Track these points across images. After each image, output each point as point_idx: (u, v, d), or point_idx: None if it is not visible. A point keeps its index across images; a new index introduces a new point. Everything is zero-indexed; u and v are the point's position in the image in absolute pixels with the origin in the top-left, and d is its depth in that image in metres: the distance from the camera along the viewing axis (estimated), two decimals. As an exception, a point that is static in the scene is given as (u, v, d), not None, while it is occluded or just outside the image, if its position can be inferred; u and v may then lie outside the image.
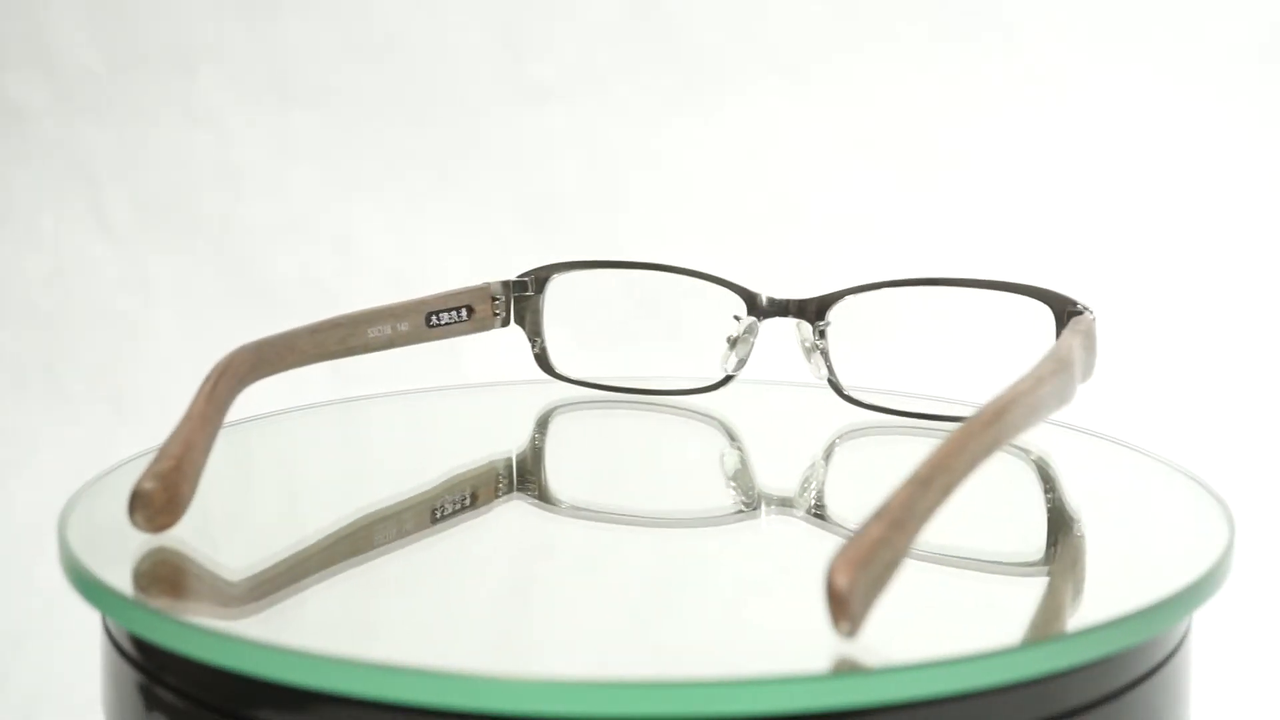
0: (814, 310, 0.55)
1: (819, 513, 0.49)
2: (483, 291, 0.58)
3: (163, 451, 0.44)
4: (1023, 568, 0.44)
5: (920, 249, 1.00)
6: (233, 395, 0.49)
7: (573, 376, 0.59)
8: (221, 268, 1.08)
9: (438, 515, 0.49)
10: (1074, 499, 0.50)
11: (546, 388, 0.60)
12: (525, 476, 0.54)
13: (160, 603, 0.40)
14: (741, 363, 0.56)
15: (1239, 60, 0.95)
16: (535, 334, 0.59)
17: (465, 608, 0.42)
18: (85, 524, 0.44)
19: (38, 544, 0.98)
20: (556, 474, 0.55)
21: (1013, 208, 0.99)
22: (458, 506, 0.50)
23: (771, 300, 0.55)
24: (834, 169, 1.01)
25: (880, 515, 0.36)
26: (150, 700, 0.41)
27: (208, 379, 0.49)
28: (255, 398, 0.52)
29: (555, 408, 0.60)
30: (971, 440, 0.40)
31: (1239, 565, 0.43)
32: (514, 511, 0.50)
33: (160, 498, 0.42)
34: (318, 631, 0.40)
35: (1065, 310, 0.50)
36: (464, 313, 0.57)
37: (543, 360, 0.59)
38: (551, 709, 0.35)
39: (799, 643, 0.39)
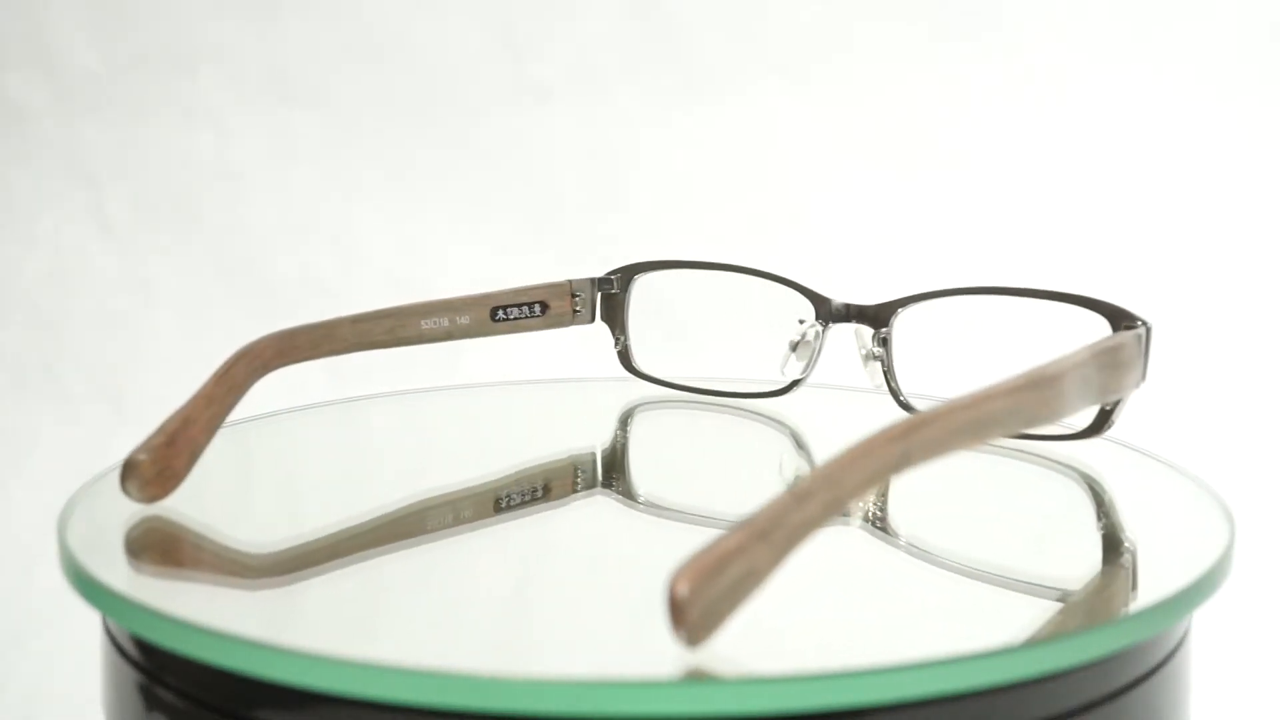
0: (877, 317, 0.54)
1: (879, 524, 0.49)
2: (560, 288, 0.59)
3: (161, 426, 0.46)
4: (1023, 568, 0.44)
5: (923, 250, 1.00)
6: (252, 378, 0.51)
7: (653, 375, 0.60)
8: (221, 268, 1.08)
9: (503, 505, 0.49)
10: (1074, 499, 0.50)
11: (609, 385, 0.61)
12: (602, 471, 0.54)
13: (177, 600, 0.40)
14: (809, 367, 0.56)
15: (1238, 57, 0.95)
16: (620, 332, 0.60)
17: (474, 608, 0.42)
18: (85, 524, 0.44)
19: (38, 544, 0.98)
20: (623, 470, 0.55)
21: (1012, 207, 0.99)
22: (528, 498, 0.50)
23: (839, 305, 0.55)
24: (833, 169, 1.01)
25: (743, 525, 0.35)
26: (150, 700, 0.41)
27: (226, 361, 0.50)
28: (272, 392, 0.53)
29: (635, 405, 0.60)
30: (870, 456, 0.38)
31: (1239, 565, 0.43)
32: (587, 508, 0.51)
33: (149, 470, 0.45)
34: (317, 631, 0.40)
35: (1120, 322, 0.49)
36: (537, 308, 0.58)
37: (624, 358, 0.60)
38: (550, 709, 0.35)
39: (803, 643, 0.39)
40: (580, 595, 0.44)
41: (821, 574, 0.45)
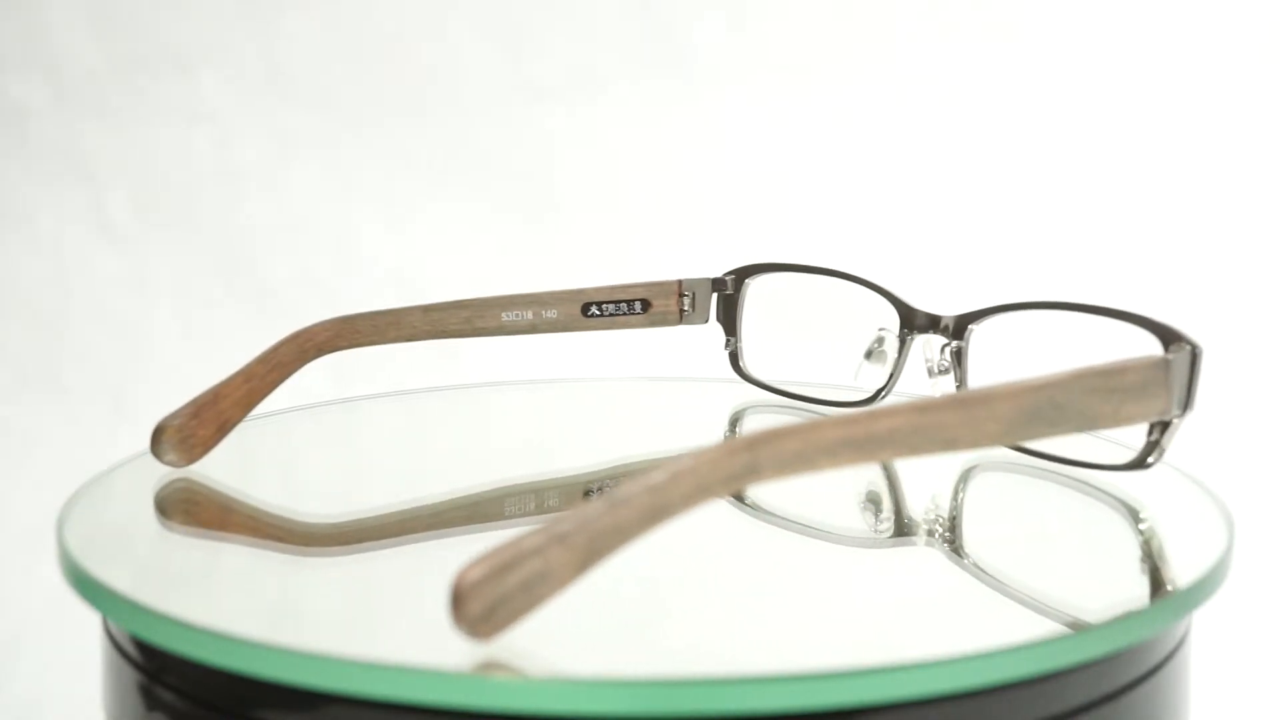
0: (952, 328, 0.52)
1: (955, 547, 0.48)
2: (665, 287, 0.58)
3: (195, 398, 0.49)
4: (1023, 567, 0.44)
5: (920, 250, 1.00)
6: (302, 360, 0.53)
7: (759, 378, 0.59)
8: (221, 268, 1.08)
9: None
10: (1074, 499, 0.50)
11: (711, 387, 0.61)
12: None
13: (177, 600, 0.40)
14: (893, 378, 0.54)
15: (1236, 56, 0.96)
16: (731, 333, 0.59)
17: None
18: (84, 524, 0.44)
19: (38, 544, 0.98)
20: None
21: (1012, 206, 0.99)
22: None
23: (922, 315, 0.53)
24: (833, 169, 1.01)
25: (547, 526, 0.35)
26: (150, 700, 0.41)
27: (278, 341, 0.53)
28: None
29: (744, 408, 0.60)
30: (705, 467, 0.37)
31: (1238, 565, 0.43)
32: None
33: (173, 437, 0.48)
34: (318, 631, 0.40)
35: (1169, 344, 0.46)
36: (637, 306, 0.57)
37: (734, 360, 0.59)
38: (550, 708, 0.35)
39: (803, 643, 0.39)
40: (606, 591, 0.44)
41: (821, 574, 0.45)
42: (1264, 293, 0.96)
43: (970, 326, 0.51)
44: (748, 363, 0.59)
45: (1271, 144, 0.96)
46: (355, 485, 0.53)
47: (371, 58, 1.07)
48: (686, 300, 0.58)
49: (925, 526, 0.48)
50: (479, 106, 1.05)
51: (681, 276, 0.58)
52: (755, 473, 0.38)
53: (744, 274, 0.58)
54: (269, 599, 0.43)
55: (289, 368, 0.53)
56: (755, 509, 0.49)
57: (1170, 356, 0.45)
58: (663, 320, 0.58)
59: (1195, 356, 0.46)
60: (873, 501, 0.50)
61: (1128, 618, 0.39)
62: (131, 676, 0.41)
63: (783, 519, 0.49)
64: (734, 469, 0.37)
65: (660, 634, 0.40)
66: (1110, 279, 0.97)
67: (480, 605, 0.34)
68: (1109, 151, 0.98)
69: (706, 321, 0.58)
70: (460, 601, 0.34)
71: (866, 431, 0.39)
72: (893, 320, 0.53)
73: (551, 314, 0.56)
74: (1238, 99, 0.96)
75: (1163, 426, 0.46)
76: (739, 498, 0.49)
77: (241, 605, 0.42)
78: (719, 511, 0.49)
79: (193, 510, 0.49)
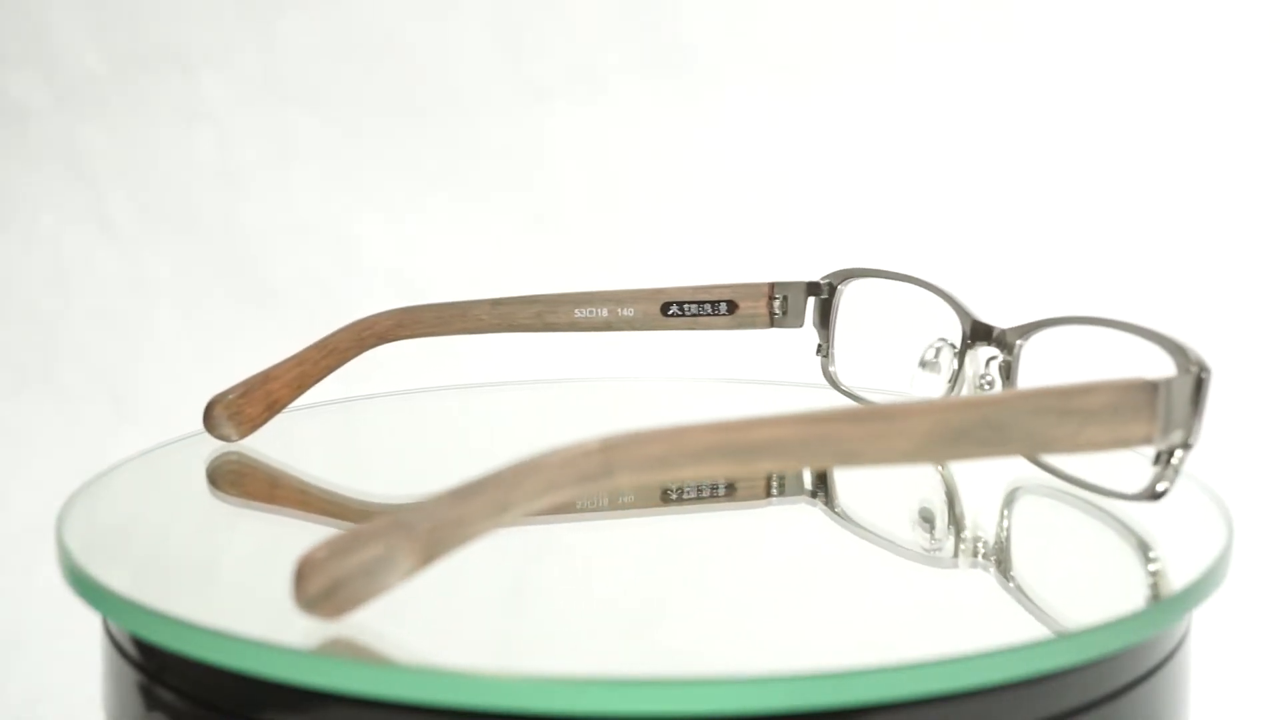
0: (1003, 341, 0.49)
1: (1003, 570, 0.48)
2: (755, 289, 0.57)
3: (247, 378, 0.52)
4: (1023, 567, 0.44)
5: (914, 253, 1.00)
6: (360, 348, 0.54)
7: (845, 385, 0.57)
8: (221, 268, 1.08)
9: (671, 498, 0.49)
10: (1073, 499, 0.50)
11: (791, 392, 0.60)
12: (808, 479, 0.52)
13: (177, 600, 0.40)
14: (954, 391, 0.51)
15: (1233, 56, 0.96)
16: (825, 339, 0.57)
17: (480, 604, 0.43)
18: (84, 524, 0.44)
19: (37, 544, 0.98)
20: (827, 483, 0.52)
21: (1011, 204, 0.99)
22: (704, 494, 0.50)
23: (980, 326, 0.50)
24: (833, 169, 1.01)
25: (394, 513, 0.36)
26: (150, 700, 0.41)
27: (339, 328, 0.54)
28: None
29: None
30: (557, 465, 0.37)
31: (1238, 565, 0.43)
32: (792, 514, 0.50)
33: (221, 413, 0.52)
34: (319, 630, 0.40)
35: (1182, 366, 0.43)
36: (722, 307, 0.57)
37: (825, 365, 0.57)
38: (549, 708, 0.35)
39: (803, 643, 0.39)
40: (589, 594, 0.44)
41: (821, 574, 0.45)
42: (1264, 292, 0.96)
43: (1018, 341, 0.49)
44: (838, 370, 0.57)
45: (1271, 144, 0.96)
46: (405, 474, 0.54)
47: (371, 57, 1.07)
48: (777, 303, 0.57)
49: (928, 527, 0.48)
50: (479, 106, 1.05)
51: (774, 279, 0.57)
52: (610, 475, 0.37)
53: (840, 278, 0.57)
54: (270, 597, 0.43)
55: (344, 354, 0.54)
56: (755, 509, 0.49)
57: (1158, 380, 0.42)
58: (750, 323, 0.57)
59: (1199, 383, 0.42)
60: (926, 519, 0.49)
61: (1127, 618, 0.39)
62: (131, 676, 0.41)
63: (784, 518, 0.49)
64: (587, 469, 0.37)
65: (660, 634, 0.40)
66: (1112, 280, 0.97)
67: (319, 585, 0.35)
68: (1107, 151, 0.98)
69: (801, 325, 0.57)
70: (300, 580, 0.35)
71: (742, 439, 0.38)
72: (955, 331, 0.51)
73: (628, 312, 0.56)
74: (1249, 99, 0.96)
75: (1168, 455, 0.43)
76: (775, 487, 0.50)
77: (242, 604, 0.42)
78: (715, 511, 0.49)
79: (240, 483, 0.51)
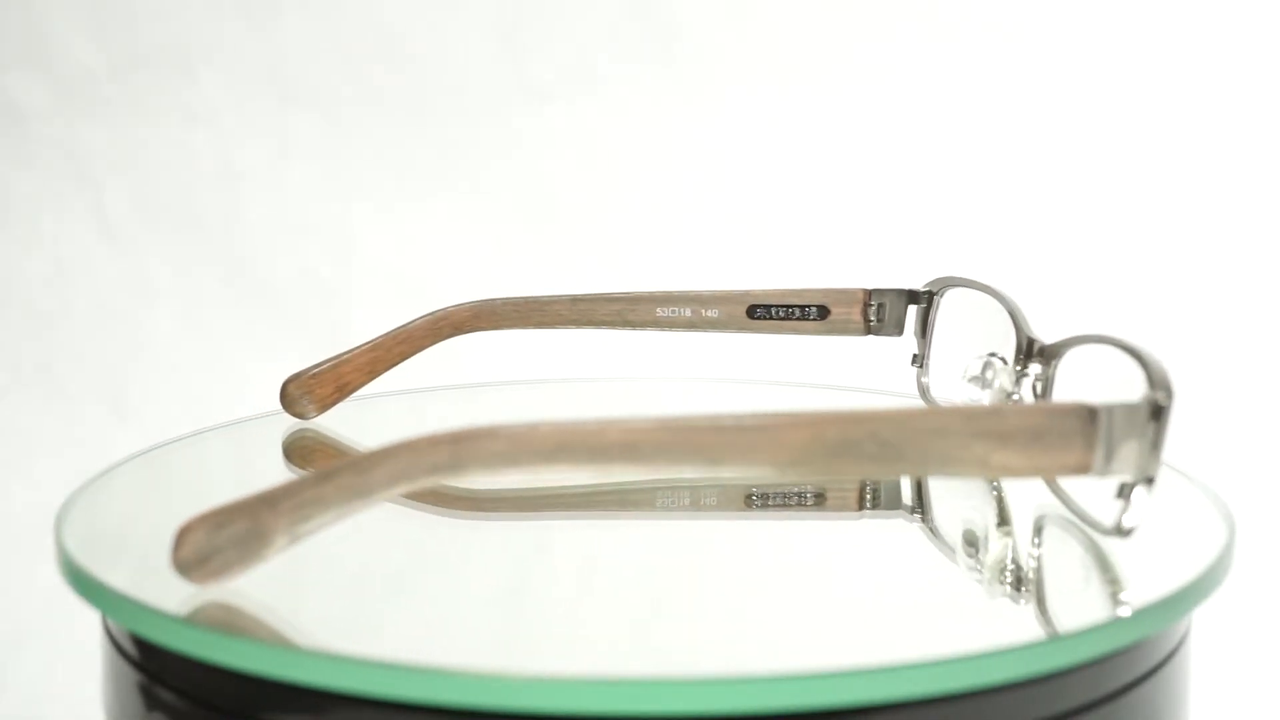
0: (1043, 356, 0.47)
1: (877, 523, 0.48)
2: (849, 295, 0.56)
3: (323, 360, 0.55)
4: (1023, 567, 0.44)
5: (909, 256, 1.00)
6: (435, 337, 0.56)
7: (933, 394, 0.55)
8: (221, 268, 1.08)
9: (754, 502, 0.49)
10: (1074, 499, 0.50)
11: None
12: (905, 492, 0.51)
13: (176, 599, 0.40)
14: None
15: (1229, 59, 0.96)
16: (923, 350, 0.55)
17: (480, 603, 0.42)
18: (84, 524, 0.44)
19: (37, 544, 0.98)
20: (923, 498, 0.51)
21: (1010, 202, 0.99)
22: (782, 501, 0.50)
23: (1029, 345, 0.48)
24: (832, 171, 1.01)
25: (265, 490, 0.38)
26: (150, 700, 0.41)
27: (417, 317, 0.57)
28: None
29: None
30: (408, 453, 0.38)
31: (1238, 565, 0.43)
32: (886, 526, 0.50)
33: (294, 392, 0.55)
34: (319, 630, 0.40)
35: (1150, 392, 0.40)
36: (812, 312, 0.56)
37: (919, 376, 0.55)
38: (548, 707, 0.35)
39: (803, 642, 0.39)
40: (582, 599, 0.44)
41: (821, 573, 0.45)
42: (1264, 292, 0.96)
43: (1053, 361, 0.46)
44: (931, 382, 0.55)
45: (1270, 145, 0.96)
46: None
47: (371, 57, 1.07)
48: (873, 310, 0.55)
49: (915, 512, 0.48)
50: (480, 106, 1.05)
51: (871, 286, 0.56)
52: (458, 467, 0.38)
53: (939, 286, 0.55)
54: (270, 596, 0.43)
55: (419, 343, 0.56)
56: (759, 508, 0.49)
57: (1099, 407, 0.39)
58: (843, 329, 0.56)
59: (1156, 411, 0.39)
60: (970, 543, 0.47)
61: (1127, 618, 0.39)
62: (131, 676, 0.41)
63: (781, 518, 0.49)
64: (437, 460, 0.38)
65: (660, 634, 0.40)
66: (1110, 279, 0.97)
67: (191, 552, 0.38)
68: (1104, 149, 0.98)
69: (900, 334, 0.55)
70: (175, 546, 0.38)
71: (592, 440, 0.38)
72: (1010, 346, 0.49)
73: (712, 313, 0.56)
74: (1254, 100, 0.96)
75: (1130, 489, 0.40)
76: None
77: (242, 604, 0.42)
78: (718, 511, 0.49)
79: (311, 457, 0.53)
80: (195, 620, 0.38)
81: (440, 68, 1.05)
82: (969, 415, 0.39)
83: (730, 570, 0.46)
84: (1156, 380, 0.40)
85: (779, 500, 0.49)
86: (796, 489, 0.50)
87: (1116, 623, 0.39)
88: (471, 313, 0.57)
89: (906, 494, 0.51)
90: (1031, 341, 0.48)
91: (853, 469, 0.39)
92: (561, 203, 1.05)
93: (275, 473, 0.56)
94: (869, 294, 0.56)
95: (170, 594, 0.40)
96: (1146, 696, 0.41)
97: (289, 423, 0.57)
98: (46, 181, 1.10)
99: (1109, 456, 0.39)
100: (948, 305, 0.54)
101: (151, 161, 1.09)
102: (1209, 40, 0.96)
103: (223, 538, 0.38)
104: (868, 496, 0.50)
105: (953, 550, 0.47)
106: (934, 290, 0.55)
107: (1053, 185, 0.99)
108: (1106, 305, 0.97)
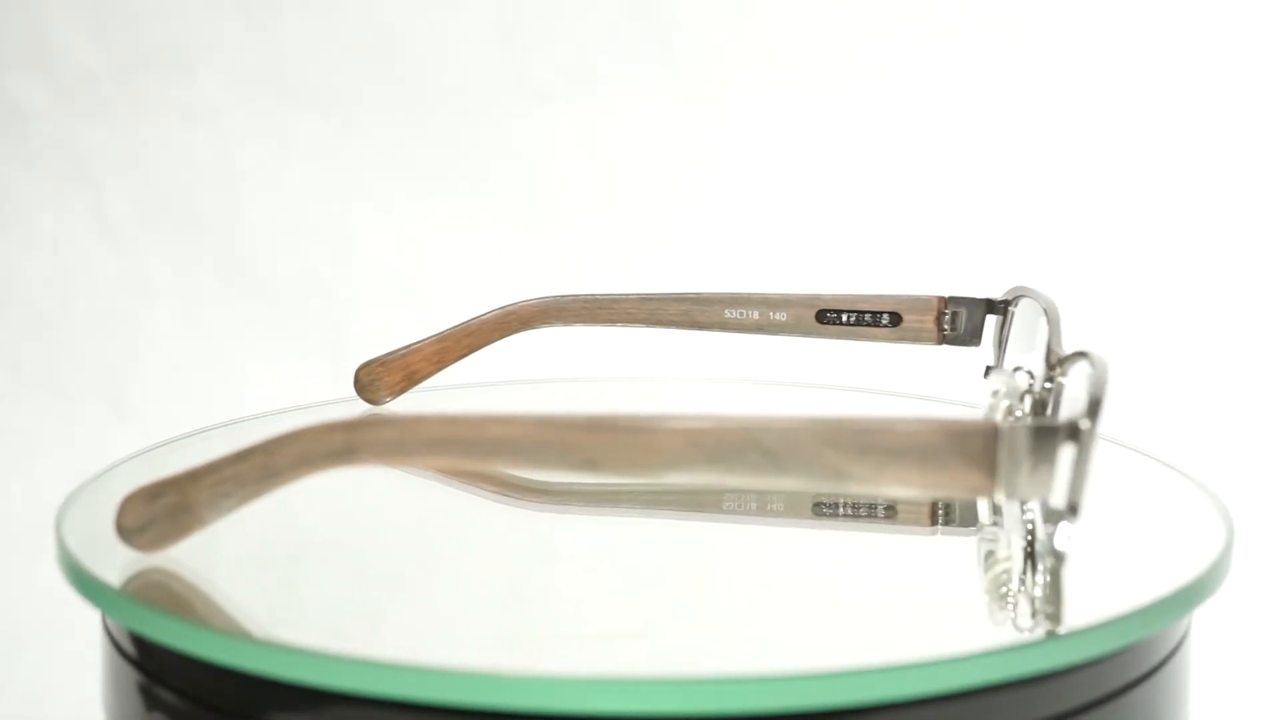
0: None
1: (878, 523, 0.48)
2: (923, 303, 0.54)
3: (394, 351, 0.57)
4: (1022, 567, 0.44)
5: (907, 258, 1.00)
6: (503, 332, 0.57)
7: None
8: (221, 268, 1.08)
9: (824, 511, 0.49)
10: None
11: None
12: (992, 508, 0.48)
13: (175, 597, 0.40)
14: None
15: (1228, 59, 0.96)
16: (999, 360, 0.52)
17: (471, 605, 0.43)
18: (84, 524, 0.44)
19: (37, 544, 0.98)
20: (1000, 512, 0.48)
21: (1010, 200, 0.99)
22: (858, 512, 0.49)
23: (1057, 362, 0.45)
24: (830, 171, 1.01)
25: (193, 467, 0.41)
26: (150, 700, 0.41)
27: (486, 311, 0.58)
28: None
29: None
30: (307, 438, 0.40)
31: (1237, 565, 0.43)
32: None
33: (364, 378, 0.57)
34: (319, 629, 0.41)
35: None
36: (885, 318, 0.54)
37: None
38: (548, 707, 0.35)
39: (803, 642, 0.39)
40: (586, 593, 0.44)
41: (821, 573, 0.45)
42: (1264, 292, 0.96)
43: (1056, 377, 0.44)
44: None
45: (1269, 146, 0.96)
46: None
47: (371, 57, 1.07)
48: (948, 319, 0.54)
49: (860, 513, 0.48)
50: (480, 106, 1.05)
51: (947, 294, 0.54)
52: (353, 453, 0.39)
53: (1014, 296, 0.52)
54: (270, 594, 0.43)
55: (487, 336, 0.57)
56: (762, 511, 0.49)
57: (999, 427, 0.38)
58: (916, 337, 0.54)
59: (1073, 435, 0.37)
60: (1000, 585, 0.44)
61: (1127, 618, 0.39)
62: (131, 676, 0.41)
63: (782, 516, 0.49)
64: (333, 446, 0.40)
65: (660, 634, 0.40)
66: (1111, 277, 0.97)
67: (131, 520, 0.41)
68: (1100, 146, 0.98)
69: (977, 344, 0.54)
70: (118, 514, 0.41)
71: (475, 434, 0.39)
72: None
73: (780, 316, 0.55)
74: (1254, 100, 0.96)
75: (1056, 513, 0.38)
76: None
77: (242, 602, 0.42)
78: (776, 517, 0.49)
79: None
80: (195, 618, 0.38)
81: (440, 68, 1.05)
82: (860, 428, 0.38)
83: (744, 573, 0.46)
84: (1089, 404, 0.38)
85: (847, 510, 0.49)
86: (867, 501, 0.49)
87: (1116, 623, 0.39)
88: (539, 308, 0.58)
89: (984, 512, 0.48)
90: (1050, 353, 0.46)
91: (734, 477, 0.38)
92: (562, 202, 1.05)
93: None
94: (944, 301, 0.54)
95: (170, 594, 0.40)
96: (1146, 696, 0.41)
97: (289, 423, 0.57)
98: (46, 181, 1.10)
99: (1016, 478, 0.38)
100: (1020, 316, 0.52)
101: (151, 161, 1.09)
102: (1209, 40, 0.96)
103: (157, 508, 0.41)
104: (940, 512, 0.49)
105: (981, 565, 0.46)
106: (1009, 300, 0.52)
107: (1052, 186, 0.99)
108: (1106, 306, 0.97)
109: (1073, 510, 0.38)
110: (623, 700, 0.35)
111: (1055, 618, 0.40)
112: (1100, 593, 0.42)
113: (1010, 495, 0.38)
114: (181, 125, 1.08)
